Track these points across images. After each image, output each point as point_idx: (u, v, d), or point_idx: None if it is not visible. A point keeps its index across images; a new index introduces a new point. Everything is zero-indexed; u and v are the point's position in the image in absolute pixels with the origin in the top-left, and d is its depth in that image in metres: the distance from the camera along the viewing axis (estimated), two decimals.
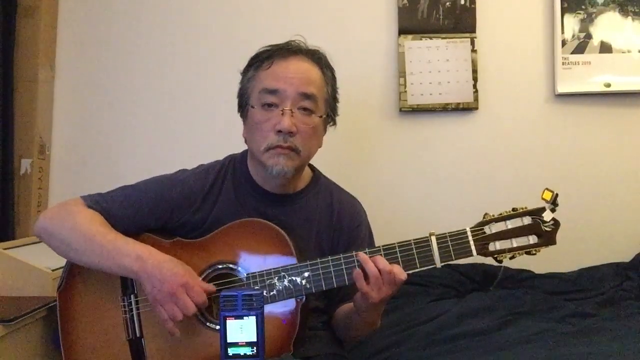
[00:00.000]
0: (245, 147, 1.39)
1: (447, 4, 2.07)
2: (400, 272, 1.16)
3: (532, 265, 1.90)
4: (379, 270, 1.15)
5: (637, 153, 2.09)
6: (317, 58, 1.32)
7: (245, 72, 1.34)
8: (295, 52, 1.30)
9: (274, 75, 1.27)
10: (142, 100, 2.14)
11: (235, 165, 1.38)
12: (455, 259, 1.18)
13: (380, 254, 1.18)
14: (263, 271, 1.21)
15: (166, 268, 1.18)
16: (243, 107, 1.34)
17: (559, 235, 1.18)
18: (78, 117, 2.15)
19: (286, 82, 1.26)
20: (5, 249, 1.67)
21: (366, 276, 1.16)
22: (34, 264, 1.63)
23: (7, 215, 1.99)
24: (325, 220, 1.37)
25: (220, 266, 1.25)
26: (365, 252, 1.19)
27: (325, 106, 1.32)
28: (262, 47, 1.34)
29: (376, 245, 1.23)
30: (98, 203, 1.29)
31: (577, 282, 1.92)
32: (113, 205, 1.29)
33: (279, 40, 1.34)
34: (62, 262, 1.38)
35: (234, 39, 2.10)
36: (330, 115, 1.35)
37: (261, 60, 1.30)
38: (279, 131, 1.24)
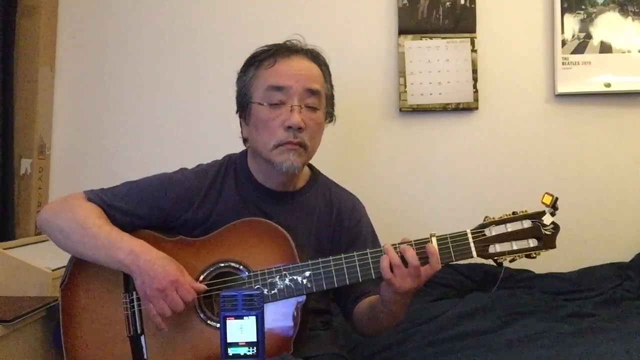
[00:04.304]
0: (243, 147, 1.40)
1: (447, 4, 2.07)
2: (435, 262, 1.16)
3: (532, 266, 1.91)
4: (406, 263, 1.15)
5: (637, 153, 2.09)
6: (316, 56, 1.34)
7: (243, 72, 1.34)
8: (297, 50, 1.32)
9: (279, 73, 1.28)
10: (142, 100, 2.15)
11: (235, 164, 1.38)
12: (456, 260, 1.19)
13: (394, 248, 1.17)
14: (264, 270, 1.22)
15: (158, 264, 1.19)
16: (244, 106, 1.33)
17: (559, 235, 1.18)
18: (78, 117, 2.16)
19: (292, 79, 1.27)
20: (5, 249, 1.67)
21: (391, 265, 1.16)
22: (34, 264, 1.63)
23: (7, 215, 1.99)
24: (325, 217, 1.37)
25: (222, 264, 1.25)
26: (367, 253, 1.19)
27: (326, 103, 1.34)
28: (259, 47, 1.35)
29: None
30: (99, 197, 1.30)
31: (577, 282, 1.92)
32: (114, 199, 1.30)
33: (280, 40, 1.35)
34: (62, 262, 1.38)
35: (234, 39, 2.10)
36: (330, 112, 1.36)
37: (262, 59, 1.31)
38: (289, 127, 1.25)
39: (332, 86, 1.37)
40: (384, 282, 1.18)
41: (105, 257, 1.22)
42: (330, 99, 1.36)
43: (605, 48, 2.07)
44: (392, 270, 1.16)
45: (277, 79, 1.27)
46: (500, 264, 1.19)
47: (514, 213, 1.19)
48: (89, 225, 1.23)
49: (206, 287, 1.22)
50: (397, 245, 1.18)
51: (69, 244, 1.27)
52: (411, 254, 1.15)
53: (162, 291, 1.17)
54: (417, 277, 1.16)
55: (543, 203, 1.18)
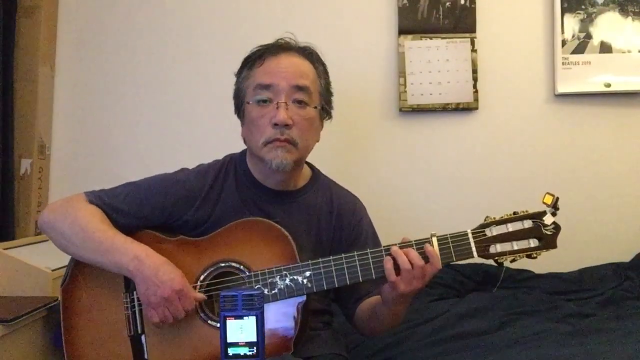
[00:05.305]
0: (244, 147, 1.40)
1: (447, 4, 2.07)
2: (436, 262, 1.16)
3: (533, 265, 1.90)
4: (411, 264, 1.15)
5: (637, 153, 2.09)
6: (308, 53, 1.34)
7: (239, 73, 1.36)
8: (286, 48, 1.32)
9: (267, 71, 1.29)
10: (142, 100, 2.15)
11: (235, 163, 1.39)
12: (456, 260, 1.19)
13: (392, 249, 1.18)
14: (265, 269, 1.22)
15: (162, 272, 1.19)
16: (239, 107, 1.35)
17: (559, 235, 1.18)
18: (78, 117, 2.15)
19: (278, 76, 1.27)
20: (5, 249, 1.67)
21: (397, 267, 1.16)
22: (34, 264, 1.63)
23: (7, 215, 1.99)
24: (325, 217, 1.37)
25: (222, 264, 1.26)
26: (368, 253, 1.19)
27: (319, 98, 1.33)
28: (254, 47, 1.36)
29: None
30: (100, 198, 1.30)
31: (577, 282, 1.92)
32: (115, 200, 1.30)
33: None
34: (62, 262, 1.38)
35: (234, 39, 2.09)
36: (326, 108, 1.36)
37: (253, 59, 1.33)
38: (275, 124, 1.26)
39: (328, 82, 1.37)
40: (388, 284, 1.18)
41: (108, 262, 1.22)
42: (324, 96, 1.35)
43: (605, 48, 2.07)
44: (397, 274, 1.16)
45: (264, 77, 1.29)
46: (500, 264, 1.19)
47: (514, 213, 1.19)
48: (92, 229, 1.23)
49: (205, 297, 1.23)
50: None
51: (71, 248, 1.27)
52: (414, 256, 1.16)
53: (167, 299, 1.18)
54: (422, 277, 1.16)
55: (544, 203, 1.18)
